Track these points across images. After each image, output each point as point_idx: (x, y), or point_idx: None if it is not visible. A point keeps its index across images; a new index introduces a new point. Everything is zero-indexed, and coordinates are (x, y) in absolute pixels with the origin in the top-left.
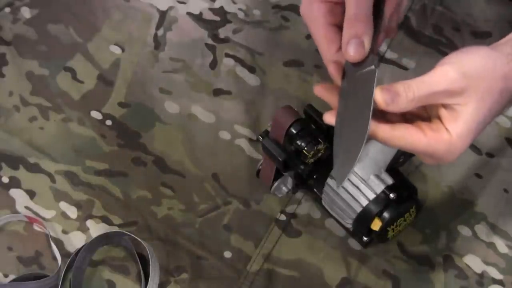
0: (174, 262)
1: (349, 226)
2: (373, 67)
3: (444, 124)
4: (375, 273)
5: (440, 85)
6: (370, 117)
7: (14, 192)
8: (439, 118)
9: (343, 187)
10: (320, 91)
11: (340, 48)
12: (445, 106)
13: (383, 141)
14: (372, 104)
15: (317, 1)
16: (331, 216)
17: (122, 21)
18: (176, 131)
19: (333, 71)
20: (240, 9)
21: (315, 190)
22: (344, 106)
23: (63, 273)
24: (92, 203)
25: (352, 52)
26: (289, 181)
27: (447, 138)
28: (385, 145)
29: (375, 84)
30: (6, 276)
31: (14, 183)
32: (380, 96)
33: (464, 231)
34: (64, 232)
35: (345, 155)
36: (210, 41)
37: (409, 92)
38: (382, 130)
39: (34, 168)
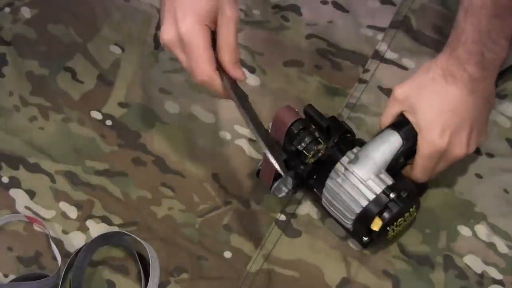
0: (174, 262)
1: (349, 226)
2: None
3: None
4: (375, 273)
5: (392, 103)
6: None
7: (14, 192)
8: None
9: (343, 187)
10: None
11: (216, 67)
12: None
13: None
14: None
15: (202, 24)
16: (331, 216)
17: (122, 21)
18: (176, 131)
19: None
20: (240, 9)
21: (315, 190)
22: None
23: (63, 273)
24: (92, 203)
25: (239, 75)
26: (289, 181)
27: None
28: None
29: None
30: (6, 276)
31: (14, 183)
32: None
33: (464, 231)
34: (64, 232)
35: None
36: None
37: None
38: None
39: (34, 168)
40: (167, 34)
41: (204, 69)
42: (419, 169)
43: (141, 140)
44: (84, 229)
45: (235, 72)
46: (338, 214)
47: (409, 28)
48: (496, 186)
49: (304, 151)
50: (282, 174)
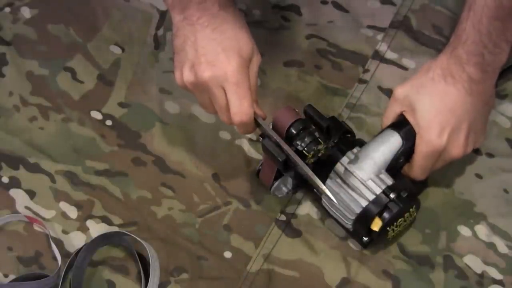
0: (174, 262)
1: (349, 226)
2: None
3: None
4: (375, 273)
5: (392, 102)
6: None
7: (14, 192)
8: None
9: (343, 187)
10: None
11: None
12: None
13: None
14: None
15: (246, 67)
16: (331, 216)
17: (122, 21)
18: (176, 131)
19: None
20: (240, 9)
21: (315, 190)
22: None
23: (63, 273)
24: (92, 203)
25: (262, 113)
26: (289, 181)
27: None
28: (386, 147)
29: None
30: (6, 276)
31: (14, 183)
32: None
33: (464, 231)
34: (64, 232)
35: None
36: None
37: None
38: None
39: (34, 168)
40: (206, 72)
41: (247, 110)
42: (417, 168)
43: (141, 140)
44: (84, 229)
45: (258, 110)
46: (338, 214)
47: (409, 28)
48: (496, 186)
49: (304, 151)
50: (330, 196)
